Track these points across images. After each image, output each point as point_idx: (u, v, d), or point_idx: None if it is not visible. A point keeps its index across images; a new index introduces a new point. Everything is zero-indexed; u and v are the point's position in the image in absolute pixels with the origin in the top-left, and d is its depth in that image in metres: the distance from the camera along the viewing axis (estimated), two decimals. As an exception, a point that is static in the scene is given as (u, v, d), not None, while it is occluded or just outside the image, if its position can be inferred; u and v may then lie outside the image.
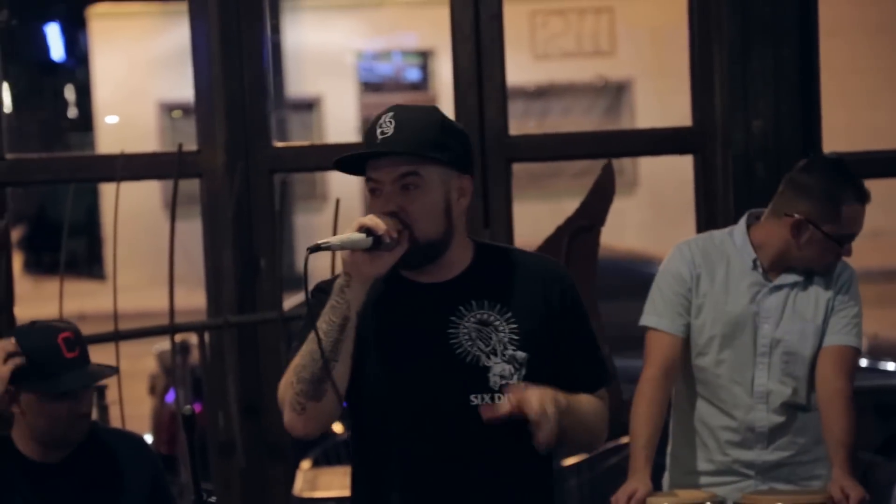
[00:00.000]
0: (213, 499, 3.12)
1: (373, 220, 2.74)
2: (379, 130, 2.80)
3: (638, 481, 3.76)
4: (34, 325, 3.40)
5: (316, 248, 2.70)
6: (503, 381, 2.82)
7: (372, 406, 2.85)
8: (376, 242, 2.74)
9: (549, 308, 2.89)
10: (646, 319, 3.93)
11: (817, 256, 3.88)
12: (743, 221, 3.96)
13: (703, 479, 3.93)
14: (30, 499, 3.36)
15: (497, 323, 2.85)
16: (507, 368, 2.83)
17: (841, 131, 5.27)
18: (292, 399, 2.79)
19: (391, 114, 2.81)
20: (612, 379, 3.07)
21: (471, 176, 2.88)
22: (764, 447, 3.89)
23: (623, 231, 11.46)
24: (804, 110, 4.66)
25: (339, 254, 2.78)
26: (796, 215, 3.84)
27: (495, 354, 2.83)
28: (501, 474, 2.85)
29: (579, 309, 2.94)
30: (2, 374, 3.29)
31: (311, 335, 2.77)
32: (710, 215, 4.72)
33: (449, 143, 2.83)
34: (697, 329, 3.90)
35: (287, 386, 2.80)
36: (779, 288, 3.89)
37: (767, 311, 3.89)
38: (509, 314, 2.85)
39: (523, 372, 2.83)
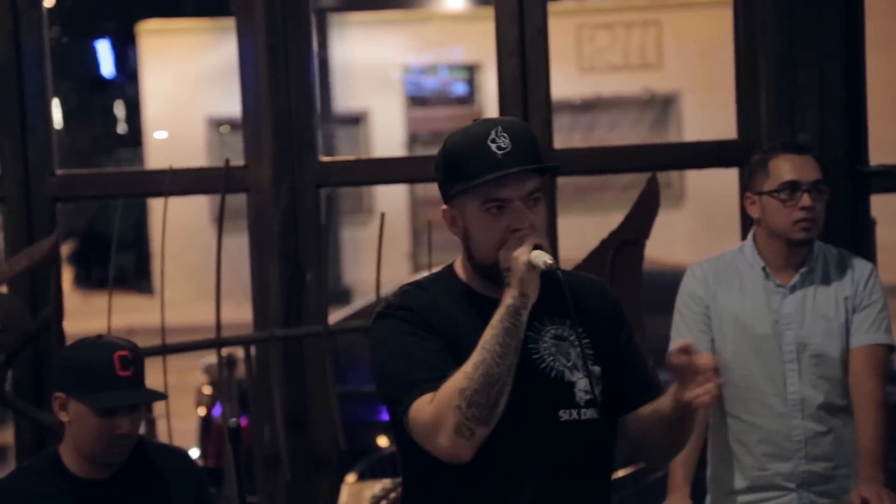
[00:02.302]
0: (258, 511, 3.14)
1: (540, 240, 2.73)
2: (494, 146, 2.75)
3: (678, 499, 3.76)
4: (98, 338, 3.46)
5: (554, 267, 2.68)
6: (587, 397, 2.80)
7: None
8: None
9: (607, 324, 2.90)
10: (673, 345, 3.96)
11: (777, 220, 3.89)
12: (751, 236, 3.99)
13: (743, 498, 3.91)
14: (76, 515, 3.39)
15: (572, 338, 2.83)
16: (588, 383, 2.82)
17: (887, 144, 5.25)
18: (460, 424, 2.67)
19: (498, 127, 2.77)
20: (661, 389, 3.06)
21: None
22: (802, 457, 3.87)
23: (670, 244, 11.43)
24: (850, 123, 4.64)
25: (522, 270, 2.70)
26: (747, 196, 3.96)
27: (577, 369, 2.81)
28: (585, 490, 2.83)
29: (628, 325, 2.96)
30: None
31: (482, 358, 2.68)
32: (755, 228, 4.71)
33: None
34: (721, 345, 3.90)
35: (449, 410, 2.67)
36: (794, 290, 3.89)
37: (788, 316, 3.89)
38: (582, 329, 2.83)
39: (600, 387, 2.83)
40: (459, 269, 2.89)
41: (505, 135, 2.75)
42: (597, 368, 2.83)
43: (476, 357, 2.68)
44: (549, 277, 2.79)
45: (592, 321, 2.86)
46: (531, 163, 2.76)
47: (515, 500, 2.77)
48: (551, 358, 2.80)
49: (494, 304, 2.77)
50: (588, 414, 2.80)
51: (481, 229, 2.77)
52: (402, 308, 2.80)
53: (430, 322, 2.78)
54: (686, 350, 2.70)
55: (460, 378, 2.68)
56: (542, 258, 2.70)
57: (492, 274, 2.79)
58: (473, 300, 2.82)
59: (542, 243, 2.73)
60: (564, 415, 2.79)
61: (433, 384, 2.71)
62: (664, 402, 2.82)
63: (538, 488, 2.77)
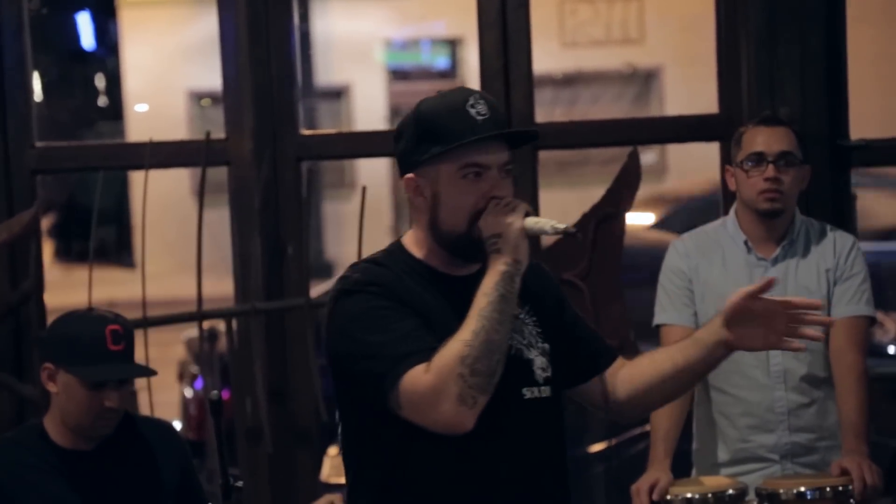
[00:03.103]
0: (240, 484, 3.15)
1: (528, 209, 2.72)
2: (473, 111, 2.73)
3: (658, 471, 3.78)
4: (89, 311, 3.46)
5: (575, 232, 2.68)
6: (544, 374, 2.80)
7: None
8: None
9: (549, 301, 2.89)
10: (657, 319, 4.02)
11: (745, 191, 3.94)
12: (732, 210, 4.01)
13: (727, 470, 3.94)
14: (62, 485, 3.39)
15: (523, 316, 2.82)
16: (543, 360, 2.81)
17: (868, 118, 5.25)
18: (464, 392, 2.63)
19: (476, 94, 2.75)
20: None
21: None
22: (785, 429, 3.90)
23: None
24: (831, 97, 4.65)
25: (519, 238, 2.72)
26: (726, 168, 4.03)
27: (532, 347, 2.81)
28: (551, 467, 2.83)
29: (567, 297, 2.97)
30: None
31: (480, 325, 2.64)
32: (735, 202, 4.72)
33: None
34: (704, 319, 3.92)
35: (451, 379, 2.63)
36: (776, 262, 3.92)
37: (771, 289, 3.91)
38: (528, 307, 2.83)
39: (552, 365, 2.83)
40: (412, 245, 2.82)
41: (483, 101, 2.73)
42: (547, 346, 2.83)
43: (474, 325, 2.64)
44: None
45: (535, 299, 2.84)
46: (529, 131, 2.79)
47: (489, 481, 2.74)
48: (509, 336, 2.74)
49: (455, 281, 2.75)
50: (546, 392, 2.80)
51: (456, 195, 2.73)
52: (371, 283, 2.73)
53: (401, 297, 2.73)
54: (759, 293, 2.72)
55: (460, 346, 2.63)
56: (546, 224, 2.68)
57: (458, 245, 2.75)
58: (433, 278, 2.78)
59: (531, 211, 2.72)
60: (528, 393, 2.78)
61: (424, 355, 2.66)
62: (688, 355, 2.81)
63: (509, 468, 2.75)
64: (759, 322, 2.76)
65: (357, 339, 2.71)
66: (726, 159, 4.77)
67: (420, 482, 2.75)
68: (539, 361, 2.80)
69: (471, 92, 2.76)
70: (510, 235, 2.69)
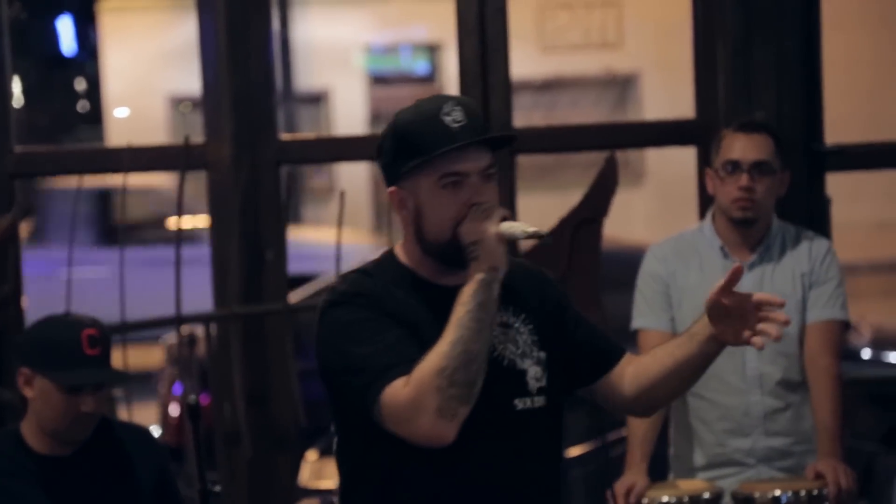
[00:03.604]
0: (218, 488, 3.15)
1: (504, 213, 2.68)
2: (449, 119, 2.69)
3: (635, 474, 3.80)
4: (65, 316, 3.46)
5: (545, 235, 2.66)
6: (538, 384, 2.76)
7: None
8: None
9: (549, 307, 2.85)
10: (634, 323, 4.04)
11: (720, 197, 3.96)
12: (709, 215, 4.04)
13: (704, 475, 3.96)
14: (38, 491, 3.38)
15: (517, 325, 2.78)
16: (538, 370, 2.77)
17: (843, 123, 5.29)
18: (443, 405, 2.59)
19: (452, 101, 2.72)
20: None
21: None
22: (761, 433, 3.92)
23: (629, 223, 11.47)
24: (806, 102, 4.68)
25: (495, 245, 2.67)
26: (706, 170, 4.02)
27: (526, 356, 2.77)
28: (542, 477, 2.79)
29: (570, 300, 2.92)
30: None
31: (458, 336, 2.60)
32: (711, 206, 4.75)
33: None
34: (681, 324, 3.94)
35: (430, 392, 2.59)
36: (752, 267, 3.94)
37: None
38: (523, 315, 2.79)
39: (548, 373, 2.79)
40: (402, 255, 2.79)
41: (458, 108, 2.69)
42: (543, 354, 2.78)
43: (452, 335, 2.61)
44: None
45: (532, 307, 2.81)
46: (508, 136, 2.74)
47: (477, 492, 2.71)
48: (501, 346, 2.74)
49: (444, 292, 2.71)
50: (540, 402, 2.76)
51: (437, 206, 2.69)
52: (357, 295, 2.71)
53: (386, 309, 2.70)
54: (729, 286, 2.71)
55: (437, 358, 2.60)
56: (518, 228, 2.65)
57: (445, 254, 2.71)
58: (422, 288, 2.75)
59: (508, 216, 2.68)
60: (520, 403, 2.74)
61: (405, 367, 2.62)
62: (685, 351, 2.79)
63: (498, 479, 2.71)
64: (733, 318, 2.76)
65: (341, 351, 2.69)
66: (703, 164, 4.80)
67: (411, 492, 2.72)
68: (533, 371, 2.76)
69: (446, 99, 2.72)
70: (486, 242, 2.66)
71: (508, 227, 2.67)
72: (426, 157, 2.68)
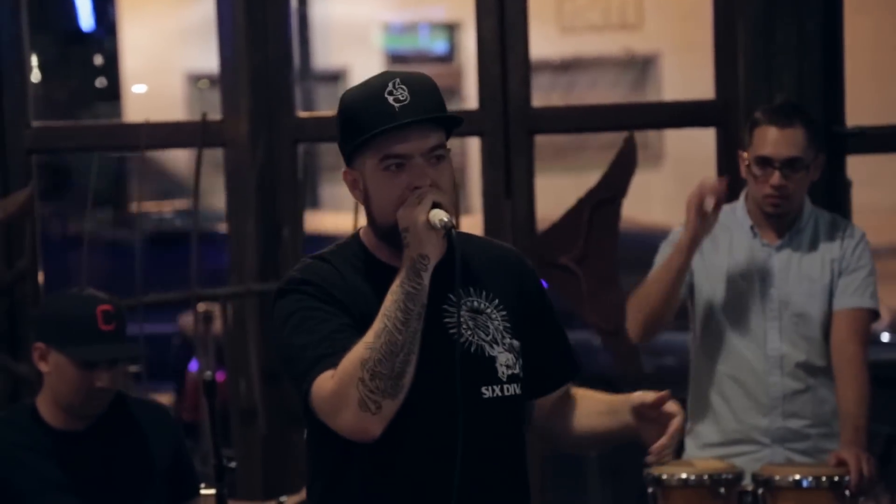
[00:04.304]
0: (233, 464, 3.16)
1: (440, 197, 2.54)
2: (391, 98, 2.55)
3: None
4: (81, 291, 3.46)
5: (452, 226, 2.51)
6: (509, 372, 2.64)
7: None
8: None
9: (524, 296, 2.72)
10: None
11: (752, 189, 3.93)
12: (743, 194, 4.01)
13: (719, 451, 3.95)
14: (53, 465, 3.39)
15: (489, 310, 2.67)
16: (510, 357, 2.66)
17: (864, 105, 5.26)
18: (364, 397, 2.49)
19: (396, 79, 2.57)
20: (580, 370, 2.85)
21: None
22: (779, 414, 3.91)
23: (648, 204, 11.43)
24: (827, 85, 4.66)
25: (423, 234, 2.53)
26: (739, 152, 3.97)
27: (497, 343, 2.65)
28: (509, 468, 2.68)
29: (547, 298, 2.78)
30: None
31: (382, 325, 2.50)
32: (731, 188, 4.72)
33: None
34: (707, 299, 3.93)
35: (352, 384, 2.50)
36: (780, 249, 3.92)
37: (772, 275, 3.92)
38: (496, 301, 2.68)
39: (520, 361, 2.67)
40: (365, 236, 2.68)
41: (403, 87, 2.55)
42: (516, 342, 2.67)
43: (377, 325, 2.51)
44: (453, 244, 2.60)
45: (507, 292, 2.70)
46: (450, 116, 2.58)
47: (437, 482, 2.59)
48: (469, 332, 2.63)
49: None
50: (511, 390, 2.65)
51: (380, 189, 2.57)
52: (305, 282, 2.62)
53: (335, 296, 2.59)
54: (658, 405, 2.61)
55: (361, 349, 2.50)
56: (438, 216, 2.52)
57: (393, 238, 2.59)
58: (378, 270, 2.63)
59: (443, 201, 2.54)
60: (487, 391, 2.62)
61: (336, 359, 2.53)
62: (607, 425, 2.70)
63: (467, 467, 2.59)
64: (653, 420, 2.65)
65: (284, 340, 2.62)
66: (723, 145, 4.79)
67: (372, 481, 2.62)
68: (504, 358, 2.65)
69: (392, 76, 2.59)
70: (415, 229, 2.53)
71: (434, 214, 2.53)
72: (363, 137, 2.56)
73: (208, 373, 3.00)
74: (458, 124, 2.64)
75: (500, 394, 2.64)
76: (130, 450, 3.46)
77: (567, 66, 16.81)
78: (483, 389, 2.63)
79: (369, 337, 2.51)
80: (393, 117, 2.55)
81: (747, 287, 3.92)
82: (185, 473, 3.55)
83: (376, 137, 2.56)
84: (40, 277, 4.76)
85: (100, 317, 3.36)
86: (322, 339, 2.56)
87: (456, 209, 4.31)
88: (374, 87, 2.58)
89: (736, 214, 4.01)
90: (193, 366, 7.04)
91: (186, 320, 7.31)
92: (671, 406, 2.63)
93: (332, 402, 2.53)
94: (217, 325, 5.47)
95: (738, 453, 3.93)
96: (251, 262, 4.74)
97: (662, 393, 2.65)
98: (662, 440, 2.60)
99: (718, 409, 3.97)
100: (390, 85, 2.57)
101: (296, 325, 2.60)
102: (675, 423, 2.61)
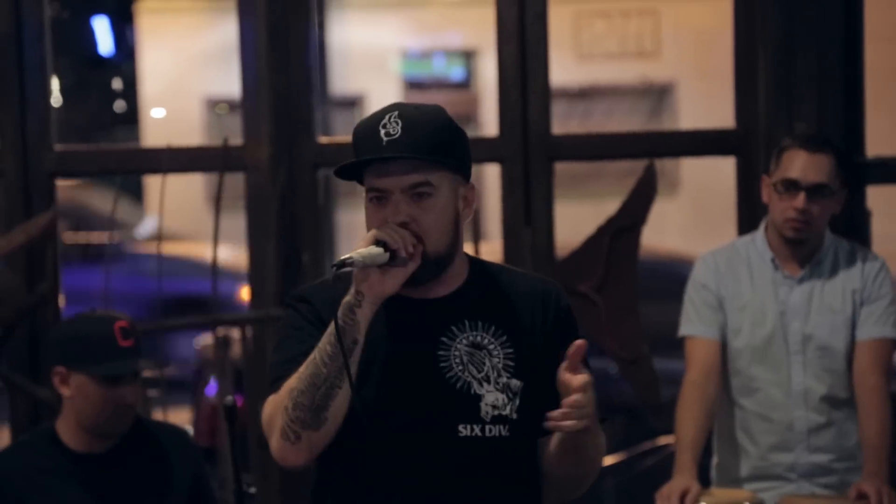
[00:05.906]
0: (252, 490, 3.16)
1: (388, 234, 2.51)
2: (384, 131, 2.54)
3: (688, 479, 3.75)
4: (94, 312, 3.49)
5: (341, 265, 2.45)
6: (495, 412, 2.57)
7: (353, 430, 2.56)
8: (391, 258, 2.51)
9: (545, 332, 2.65)
10: (683, 330, 4.00)
11: (773, 213, 3.90)
12: (763, 225, 4.00)
13: (746, 486, 3.94)
14: (76, 489, 3.40)
15: (491, 347, 2.61)
16: (501, 398, 2.59)
17: (885, 135, 5.26)
18: (285, 426, 2.52)
19: (395, 112, 2.57)
20: (607, 416, 2.74)
21: (472, 184, 2.65)
22: (804, 448, 3.89)
23: (665, 233, 11.44)
24: (847, 114, 4.66)
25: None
26: (763, 177, 3.95)
27: (488, 382, 2.59)
28: None
29: (575, 334, 2.67)
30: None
31: (312, 357, 2.51)
32: (751, 218, 4.72)
33: (457, 147, 2.60)
34: (730, 335, 3.92)
35: (279, 411, 2.53)
36: (802, 282, 3.91)
37: (794, 308, 3.91)
38: (504, 337, 2.62)
39: (517, 402, 2.60)
40: None
41: (398, 121, 2.54)
42: (515, 382, 2.60)
43: (310, 356, 2.52)
44: (478, 275, 2.60)
45: (520, 328, 2.63)
46: (421, 153, 2.52)
47: None
48: (460, 367, 2.58)
49: (405, 303, 2.59)
50: (494, 431, 2.58)
51: (368, 219, 2.59)
52: (303, 301, 2.65)
53: (324, 320, 2.58)
54: (574, 361, 2.51)
55: (293, 379, 2.52)
56: (360, 254, 2.47)
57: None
58: (387, 300, 2.58)
59: (387, 238, 2.50)
60: (464, 430, 2.57)
61: (281, 384, 2.57)
62: (556, 438, 2.61)
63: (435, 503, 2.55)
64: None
65: (271, 355, 2.68)
66: (742, 174, 4.78)
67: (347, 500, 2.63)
68: (492, 398, 2.58)
69: (393, 108, 2.58)
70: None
71: (359, 252, 2.50)
72: (343, 164, 2.58)
73: (229, 397, 3.00)
74: (447, 165, 2.59)
75: (478, 433, 2.58)
76: (151, 472, 3.47)
77: (584, 94, 16.84)
78: (460, 427, 2.58)
79: (301, 367, 2.53)
80: (376, 150, 2.55)
81: (769, 321, 3.91)
82: (205, 497, 3.56)
83: (366, 168, 2.57)
84: (61, 301, 4.77)
85: (118, 333, 3.39)
86: (288, 360, 2.59)
87: (475, 237, 4.30)
88: (375, 118, 2.59)
89: (756, 246, 3.99)
90: (211, 390, 7.05)
91: (205, 345, 7.33)
92: (578, 379, 2.50)
93: (265, 426, 2.59)
94: (236, 350, 5.48)
95: (765, 489, 3.91)
96: (271, 286, 4.75)
97: (571, 355, 2.52)
98: (558, 410, 2.51)
99: (745, 445, 3.96)
100: (386, 118, 2.57)
101: (278, 341, 2.66)
102: (572, 397, 2.50)
